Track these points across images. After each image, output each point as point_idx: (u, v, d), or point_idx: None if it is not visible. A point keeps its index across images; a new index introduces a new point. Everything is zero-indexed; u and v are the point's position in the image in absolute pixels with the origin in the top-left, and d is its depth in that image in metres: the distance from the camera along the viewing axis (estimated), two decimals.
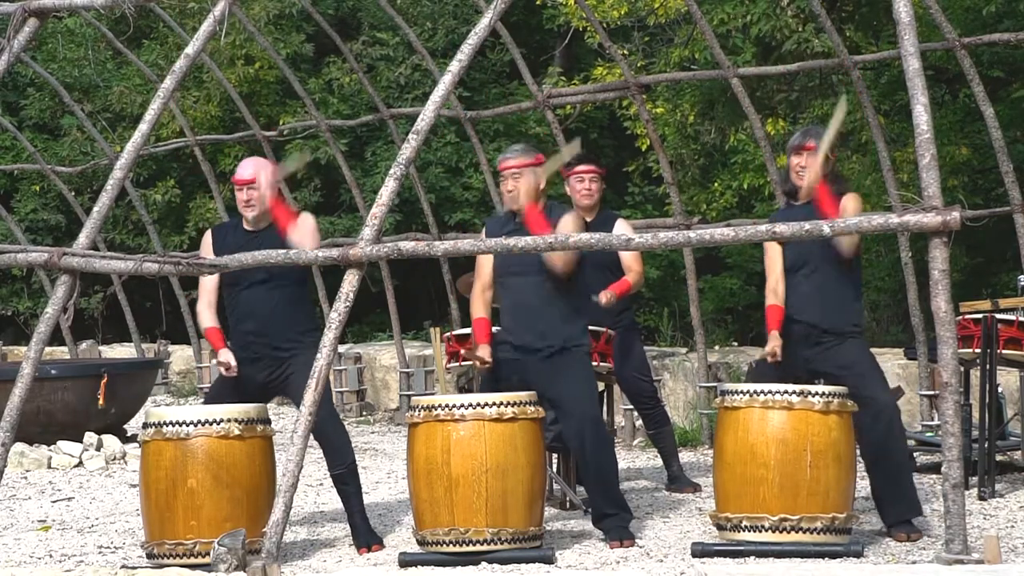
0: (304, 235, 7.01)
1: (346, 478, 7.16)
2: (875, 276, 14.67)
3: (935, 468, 8.73)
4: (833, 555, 6.46)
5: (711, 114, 14.03)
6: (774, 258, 7.14)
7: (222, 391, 7.16)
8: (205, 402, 7.35)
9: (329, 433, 7.06)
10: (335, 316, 6.52)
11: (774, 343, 7.00)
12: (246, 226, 7.21)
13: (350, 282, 6.56)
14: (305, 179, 17.57)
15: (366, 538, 7.11)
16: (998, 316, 8.16)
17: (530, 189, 7.06)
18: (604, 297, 8.08)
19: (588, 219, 8.45)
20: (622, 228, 8.34)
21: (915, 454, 9.05)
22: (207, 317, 7.28)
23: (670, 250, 15.40)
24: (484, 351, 7.10)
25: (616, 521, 6.99)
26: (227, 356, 7.12)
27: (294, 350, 7.10)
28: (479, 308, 7.23)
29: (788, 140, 7.37)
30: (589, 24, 15.48)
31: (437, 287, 13.06)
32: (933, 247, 5.99)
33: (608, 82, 14.72)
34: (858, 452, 6.87)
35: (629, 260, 8.40)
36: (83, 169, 15.58)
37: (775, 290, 7.12)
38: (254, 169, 7.17)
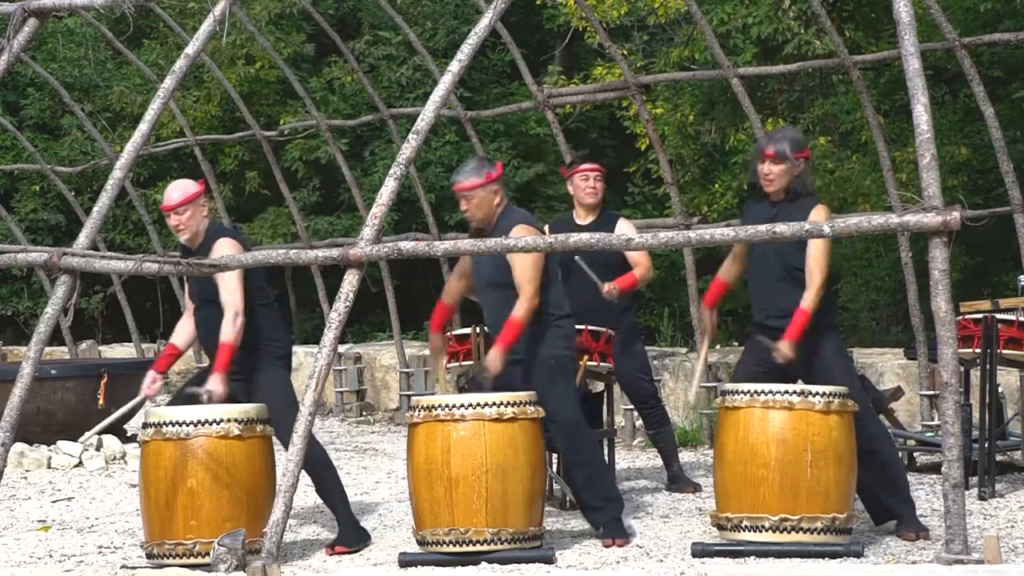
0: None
1: (320, 479, 7.14)
2: (875, 276, 14.67)
3: (935, 468, 8.73)
4: (833, 555, 6.46)
5: (711, 114, 14.04)
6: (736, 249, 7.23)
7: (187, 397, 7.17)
8: (169, 402, 7.33)
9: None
10: (335, 316, 6.52)
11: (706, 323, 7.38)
12: (184, 243, 7.18)
13: (350, 282, 6.56)
14: (305, 178, 17.57)
15: (340, 538, 7.09)
16: (998, 316, 8.17)
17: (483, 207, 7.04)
18: (607, 287, 8.10)
19: (590, 218, 8.47)
20: (624, 228, 8.36)
21: (915, 454, 9.06)
22: (176, 331, 7.36)
23: (670, 250, 15.39)
24: (434, 340, 7.34)
25: (607, 515, 7.00)
26: (149, 381, 7.18)
27: (248, 368, 7.04)
28: (446, 293, 7.41)
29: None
30: (589, 24, 15.49)
31: (437, 287, 13.05)
32: (933, 247, 5.99)
33: (608, 82, 14.72)
34: None
35: (636, 255, 8.40)
36: (83, 169, 15.58)
37: (727, 270, 7.31)
38: (180, 194, 7.10)
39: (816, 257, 6.83)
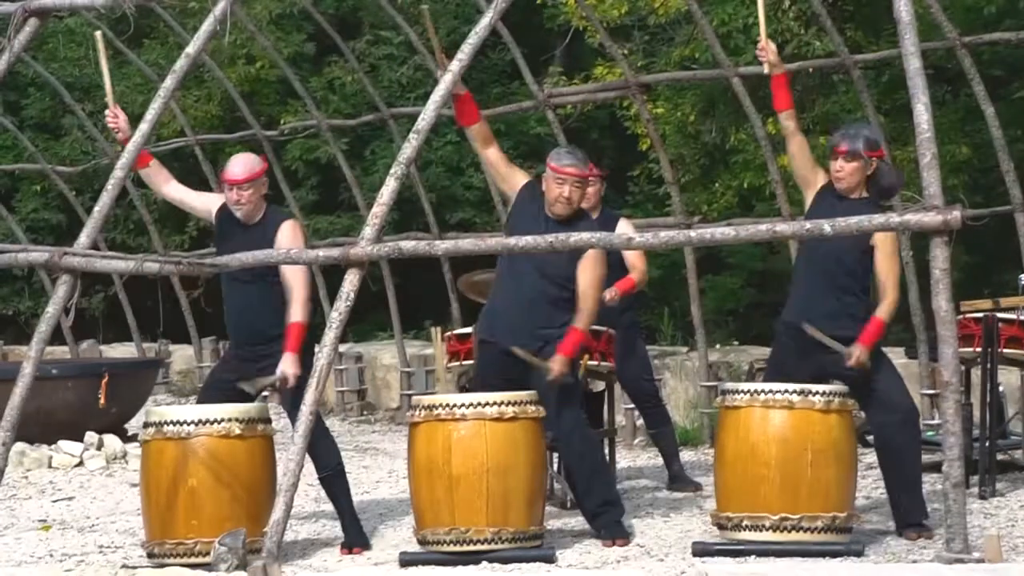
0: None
1: (333, 481, 7.13)
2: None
3: (936, 467, 8.72)
4: (834, 554, 6.46)
5: (712, 114, 14.02)
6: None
7: (211, 392, 7.17)
8: (198, 402, 7.34)
9: (313, 437, 6.99)
10: (336, 315, 6.53)
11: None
12: (239, 217, 7.17)
13: (351, 282, 6.56)
14: (305, 178, 17.55)
15: (350, 539, 7.09)
16: (999, 315, 8.17)
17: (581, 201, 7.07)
18: (609, 295, 8.10)
19: None
20: (624, 228, 8.35)
21: None
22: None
23: (671, 249, 15.38)
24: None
25: (607, 518, 7.00)
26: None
27: (276, 351, 7.03)
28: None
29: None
30: (589, 24, 15.47)
31: (437, 287, 13.05)
32: (934, 246, 6.00)
33: (608, 82, 14.70)
34: (859, 451, 6.87)
35: (633, 258, 8.42)
36: (84, 169, 15.57)
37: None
38: (245, 170, 7.13)
39: (888, 270, 6.82)
